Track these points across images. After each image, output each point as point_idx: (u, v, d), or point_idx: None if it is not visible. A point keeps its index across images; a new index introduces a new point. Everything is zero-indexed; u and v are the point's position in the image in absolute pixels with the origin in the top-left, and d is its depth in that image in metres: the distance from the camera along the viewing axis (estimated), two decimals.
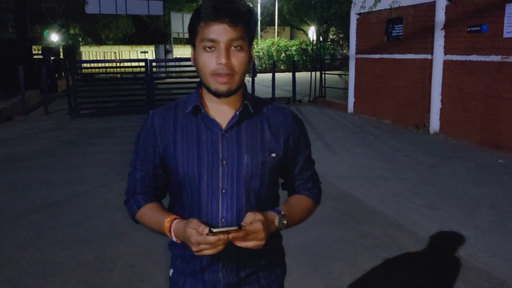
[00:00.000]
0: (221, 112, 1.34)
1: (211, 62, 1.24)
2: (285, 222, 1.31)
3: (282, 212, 1.31)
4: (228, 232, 1.14)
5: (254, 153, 1.33)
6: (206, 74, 1.26)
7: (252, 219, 1.20)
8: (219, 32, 1.23)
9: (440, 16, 8.25)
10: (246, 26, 1.26)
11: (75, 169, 6.49)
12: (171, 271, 1.48)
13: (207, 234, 1.14)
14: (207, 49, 1.25)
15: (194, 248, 1.17)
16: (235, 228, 1.15)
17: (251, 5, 1.31)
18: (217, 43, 1.23)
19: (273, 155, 1.35)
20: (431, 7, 8.49)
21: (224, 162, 1.31)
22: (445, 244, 3.95)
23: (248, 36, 1.28)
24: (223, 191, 1.31)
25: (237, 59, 1.25)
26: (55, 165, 6.75)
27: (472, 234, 4.08)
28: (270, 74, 13.72)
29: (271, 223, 1.27)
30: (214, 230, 1.13)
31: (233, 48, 1.24)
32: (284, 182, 1.51)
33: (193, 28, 1.28)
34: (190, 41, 1.32)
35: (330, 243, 3.96)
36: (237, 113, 1.33)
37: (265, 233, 1.20)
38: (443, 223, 4.34)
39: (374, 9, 10.32)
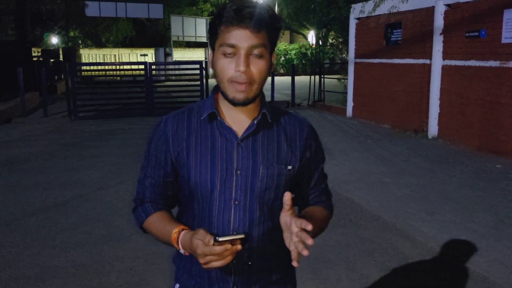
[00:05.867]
0: (238, 120, 1.28)
1: (229, 68, 1.19)
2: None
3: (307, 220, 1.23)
4: (234, 241, 1.09)
5: (269, 164, 1.27)
6: (224, 81, 1.21)
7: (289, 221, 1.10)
8: (240, 37, 1.16)
9: (439, 21, 8.28)
10: (269, 32, 1.20)
11: (74, 171, 6.49)
12: (177, 285, 1.40)
13: (213, 244, 1.08)
14: (227, 54, 1.19)
15: (201, 260, 1.10)
16: (242, 236, 1.10)
17: (275, 11, 1.24)
18: (237, 49, 1.17)
19: (289, 167, 1.30)
20: (430, 12, 8.52)
21: (238, 172, 1.26)
22: (443, 249, 3.95)
23: (270, 43, 1.21)
24: (236, 202, 1.26)
25: (257, 67, 1.19)
26: (53, 167, 6.75)
27: (470, 239, 4.08)
28: (269, 78, 13.75)
29: None
30: (220, 239, 1.08)
31: (253, 55, 1.18)
32: (297, 196, 1.43)
33: (214, 31, 1.22)
34: (210, 43, 1.26)
35: (328, 247, 3.96)
36: (255, 122, 1.27)
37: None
38: (441, 228, 4.35)
39: (373, 14, 10.35)
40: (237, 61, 1.18)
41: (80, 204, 5.14)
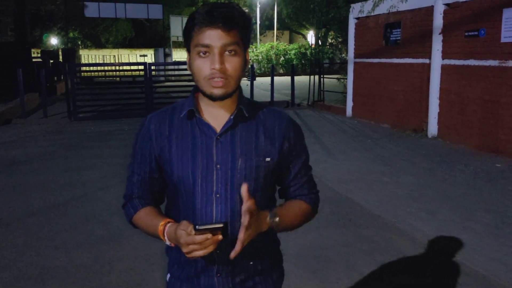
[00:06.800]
0: (216, 116, 1.34)
1: (205, 67, 1.25)
2: (276, 219, 1.28)
3: (274, 210, 1.29)
4: (214, 230, 1.14)
5: (248, 157, 1.32)
6: (201, 80, 1.27)
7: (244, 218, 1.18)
8: (213, 37, 1.23)
9: (438, 21, 8.29)
10: (240, 30, 1.26)
11: (74, 172, 6.49)
12: (168, 275, 1.48)
13: (194, 234, 1.13)
14: (201, 54, 1.25)
15: (184, 250, 1.16)
16: (221, 225, 1.14)
17: (246, 10, 1.31)
18: (211, 48, 1.24)
19: (268, 159, 1.35)
20: (429, 11, 8.53)
21: (218, 166, 1.31)
22: (442, 248, 3.96)
23: (243, 40, 1.28)
24: (217, 195, 1.31)
25: (231, 64, 1.25)
26: (53, 168, 6.76)
27: (469, 238, 4.09)
28: (269, 78, 13.76)
29: (262, 221, 1.24)
30: (199, 227, 1.13)
31: (227, 53, 1.25)
32: (280, 189, 1.49)
33: (188, 34, 1.29)
34: (185, 46, 1.33)
35: (328, 246, 3.97)
36: (232, 117, 1.33)
37: (246, 230, 1.17)
38: (441, 227, 4.35)
39: (372, 14, 10.36)
40: (212, 59, 1.24)
41: (80, 204, 5.15)
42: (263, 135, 1.36)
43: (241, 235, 1.16)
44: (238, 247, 1.17)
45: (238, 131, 1.34)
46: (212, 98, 1.28)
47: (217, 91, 1.26)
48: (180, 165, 1.33)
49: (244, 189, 1.17)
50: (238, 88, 1.33)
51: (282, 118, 1.41)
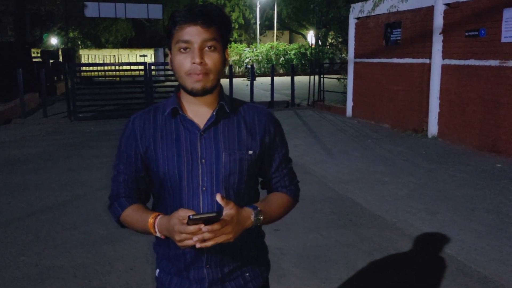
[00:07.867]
0: (199, 113, 1.39)
1: (186, 62, 1.31)
2: (261, 217, 1.34)
3: (258, 208, 1.34)
4: (207, 220, 1.16)
5: (231, 151, 1.38)
6: (182, 75, 1.32)
7: (225, 213, 1.23)
8: (193, 33, 1.29)
9: (438, 21, 8.29)
10: (219, 28, 1.33)
11: (74, 172, 6.49)
12: (157, 270, 1.51)
13: (187, 223, 1.16)
14: (182, 50, 1.31)
15: (177, 237, 1.19)
16: (214, 214, 1.17)
17: (224, 10, 1.37)
18: (191, 44, 1.29)
19: (250, 152, 1.41)
20: (430, 11, 8.53)
21: (203, 160, 1.37)
22: (443, 248, 3.95)
23: (221, 38, 1.34)
24: (203, 188, 1.37)
25: (211, 58, 1.31)
26: (53, 168, 6.76)
27: (470, 238, 4.09)
28: (269, 78, 13.76)
29: (246, 219, 1.30)
30: (193, 217, 1.16)
31: (206, 48, 1.30)
32: (262, 181, 1.55)
33: (169, 33, 1.35)
34: (167, 45, 1.38)
35: (328, 247, 3.97)
36: (214, 113, 1.38)
37: (231, 227, 1.22)
38: (441, 227, 4.35)
39: (372, 14, 10.36)
40: (192, 54, 1.30)
41: (80, 204, 5.14)
42: (245, 130, 1.42)
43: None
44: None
45: (220, 127, 1.40)
46: (193, 93, 1.33)
47: (198, 85, 1.31)
48: (166, 162, 1.37)
49: (218, 198, 1.24)
50: (219, 84, 1.39)
51: (262, 113, 1.47)
